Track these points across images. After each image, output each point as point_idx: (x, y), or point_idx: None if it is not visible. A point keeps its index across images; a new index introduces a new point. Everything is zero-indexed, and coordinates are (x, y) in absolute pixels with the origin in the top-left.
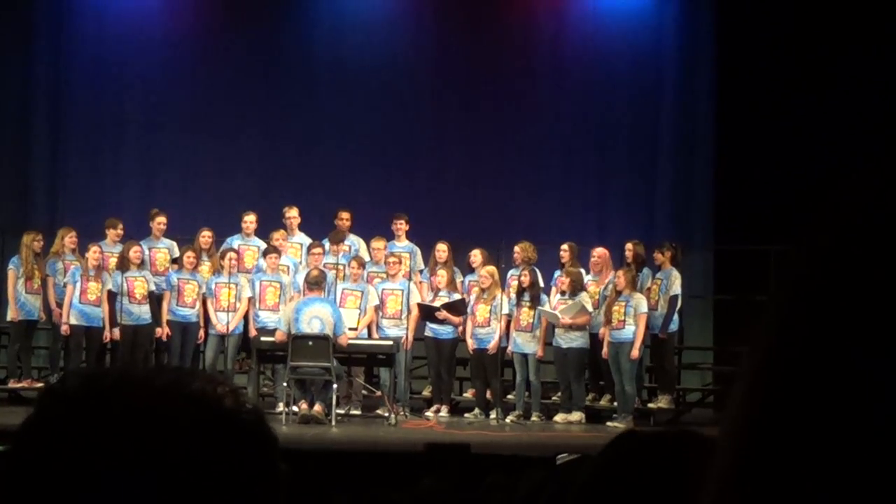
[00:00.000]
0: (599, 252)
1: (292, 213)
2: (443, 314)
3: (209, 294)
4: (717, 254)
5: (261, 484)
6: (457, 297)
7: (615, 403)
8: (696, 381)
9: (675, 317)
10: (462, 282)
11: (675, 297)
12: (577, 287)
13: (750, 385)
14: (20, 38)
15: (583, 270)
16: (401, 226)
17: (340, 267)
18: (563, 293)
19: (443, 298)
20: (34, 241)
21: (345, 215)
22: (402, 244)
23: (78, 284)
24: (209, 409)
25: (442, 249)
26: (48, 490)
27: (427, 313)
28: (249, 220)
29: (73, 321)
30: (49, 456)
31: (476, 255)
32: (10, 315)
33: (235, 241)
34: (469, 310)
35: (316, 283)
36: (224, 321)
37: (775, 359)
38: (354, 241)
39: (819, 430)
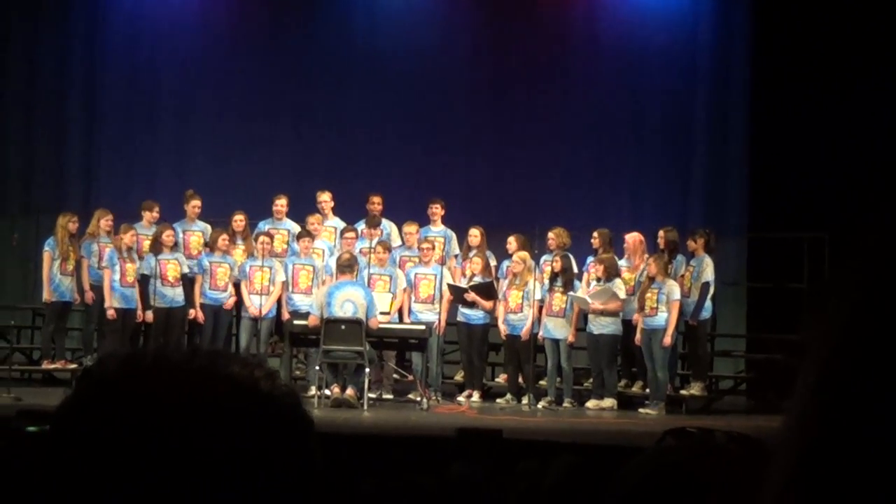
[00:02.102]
0: (631, 237)
1: (324, 198)
2: (471, 296)
3: (243, 277)
4: (750, 241)
5: (297, 466)
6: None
7: (647, 390)
8: (728, 369)
9: (708, 304)
10: (497, 266)
11: (707, 283)
12: (611, 273)
13: (813, 388)
14: (56, 21)
15: (615, 256)
16: (436, 210)
17: (374, 251)
18: (598, 280)
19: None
20: (69, 222)
21: (376, 199)
22: (438, 229)
23: (116, 267)
24: (245, 392)
25: (475, 235)
26: (86, 471)
27: (457, 295)
28: (281, 203)
29: (115, 304)
30: (87, 437)
31: (512, 242)
32: (45, 296)
33: (266, 225)
34: (501, 295)
35: (347, 266)
36: (257, 304)
37: (838, 362)
38: (387, 226)
39: (883, 434)
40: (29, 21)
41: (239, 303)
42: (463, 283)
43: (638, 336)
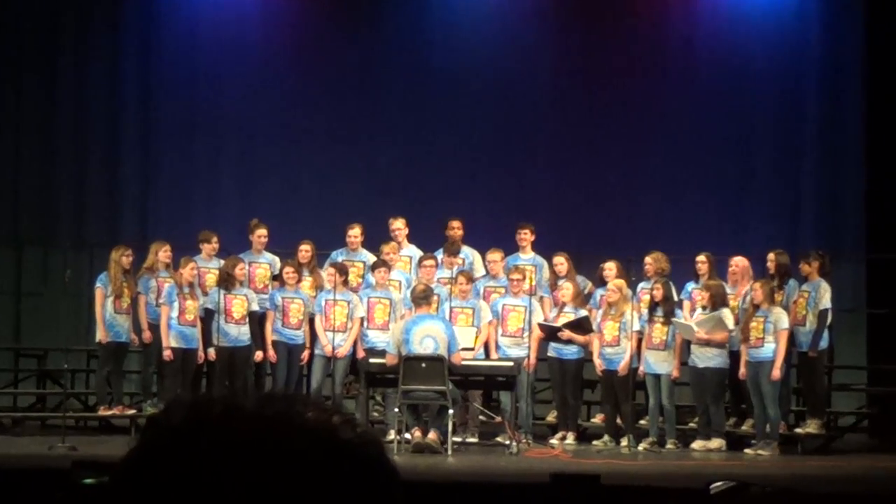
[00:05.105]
0: (738, 261)
1: (397, 225)
2: (566, 334)
3: (318, 311)
4: (869, 263)
5: None
6: (582, 313)
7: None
8: (848, 404)
9: (825, 333)
10: (589, 294)
11: (825, 311)
12: (718, 302)
13: None
14: (107, 42)
15: (724, 283)
16: (525, 236)
17: (455, 282)
18: (703, 308)
19: (568, 315)
20: (123, 256)
21: (456, 224)
22: (527, 256)
23: (175, 304)
24: (325, 441)
25: (560, 262)
26: None
27: (549, 334)
28: (354, 234)
29: (173, 344)
30: (153, 492)
31: (611, 269)
32: (99, 337)
33: (340, 256)
34: (596, 327)
35: (423, 297)
36: (334, 341)
37: None
38: (468, 254)
39: None
40: (78, 43)
41: (312, 339)
42: (553, 314)
43: (742, 370)
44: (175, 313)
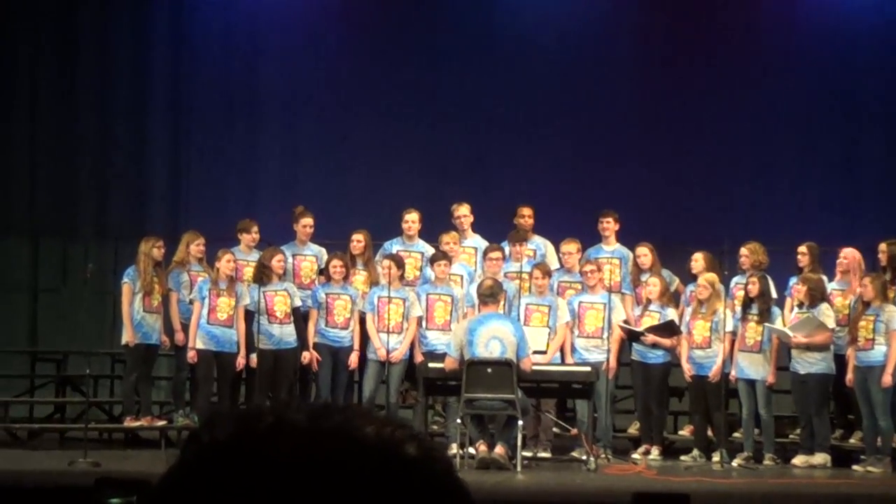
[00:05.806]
0: (848, 253)
1: (462, 212)
2: (650, 339)
3: (370, 310)
4: None
5: None
6: (670, 312)
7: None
8: None
9: None
10: (678, 293)
11: None
12: (816, 297)
13: None
14: (133, 12)
15: (825, 277)
16: (609, 225)
17: (524, 276)
18: (800, 305)
19: (653, 315)
20: (154, 248)
21: (526, 212)
22: (611, 248)
23: (206, 301)
24: (388, 458)
25: (644, 254)
26: None
27: (631, 336)
28: (411, 219)
29: (200, 345)
30: None
31: (697, 260)
32: (126, 338)
33: (395, 246)
34: (685, 327)
35: (490, 295)
36: (388, 344)
37: None
38: (540, 245)
39: None
40: (102, 11)
41: (363, 342)
42: (637, 312)
43: (850, 375)
44: (205, 311)
